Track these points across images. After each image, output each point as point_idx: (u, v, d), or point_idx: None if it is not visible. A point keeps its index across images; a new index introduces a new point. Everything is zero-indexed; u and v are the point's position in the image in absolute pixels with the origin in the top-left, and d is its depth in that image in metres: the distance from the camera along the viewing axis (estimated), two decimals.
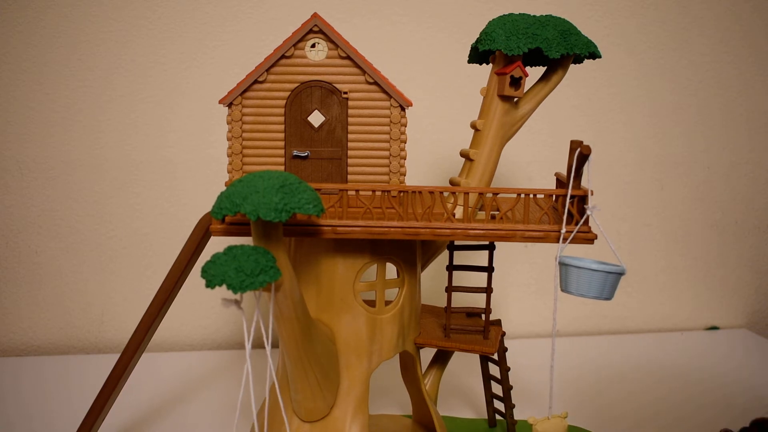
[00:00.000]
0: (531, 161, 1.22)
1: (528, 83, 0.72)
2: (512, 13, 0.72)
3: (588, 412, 0.93)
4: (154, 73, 1.12)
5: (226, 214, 0.53)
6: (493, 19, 0.72)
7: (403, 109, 0.68)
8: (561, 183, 0.73)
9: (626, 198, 1.27)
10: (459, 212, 0.71)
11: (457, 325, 0.77)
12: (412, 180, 1.13)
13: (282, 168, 0.68)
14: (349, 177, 0.69)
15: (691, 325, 1.32)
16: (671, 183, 1.28)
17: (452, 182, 0.74)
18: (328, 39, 0.67)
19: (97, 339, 1.17)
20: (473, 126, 0.73)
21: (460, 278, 1.10)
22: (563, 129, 1.22)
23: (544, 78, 0.74)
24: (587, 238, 0.66)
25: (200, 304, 1.18)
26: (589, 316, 1.29)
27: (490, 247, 0.76)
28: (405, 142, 0.68)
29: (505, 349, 0.83)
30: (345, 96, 0.68)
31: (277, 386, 0.60)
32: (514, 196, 0.71)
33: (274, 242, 0.55)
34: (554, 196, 0.73)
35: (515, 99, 0.73)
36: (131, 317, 1.15)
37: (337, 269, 0.69)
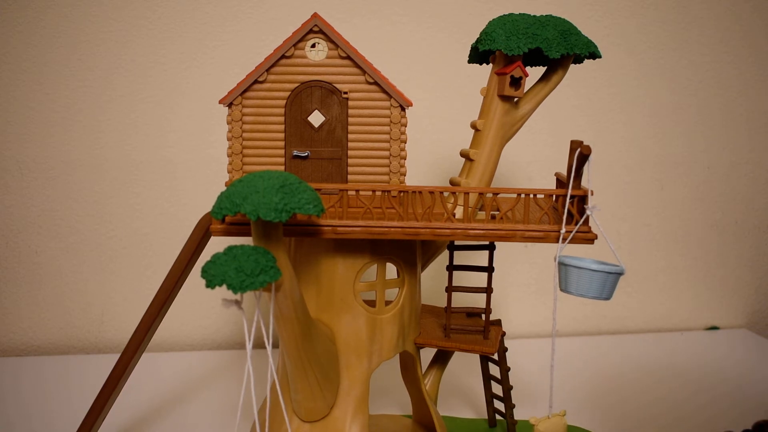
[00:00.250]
0: (531, 161, 1.22)
1: (528, 83, 0.72)
2: (512, 13, 0.72)
3: (588, 412, 0.93)
4: (154, 73, 1.12)
5: (226, 214, 0.53)
6: (493, 19, 0.72)
7: (403, 109, 0.68)
8: (561, 183, 0.73)
9: (626, 198, 1.27)
10: (459, 212, 0.71)
11: (458, 325, 0.77)
12: (412, 180, 1.13)
13: (282, 168, 0.68)
14: (349, 177, 0.69)
15: (691, 325, 1.32)
16: (671, 183, 1.28)
17: (452, 182, 0.74)
18: (328, 39, 0.67)
19: (97, 339, 1.17)
20: (473, 126, 0.73)
21: (460, 278, 1.10)
22: (563, 129, 1.22)
23: (544, 78, 0.74)
24: (587, 238, 0.66)
25: (200, 304, 1.18)
26: (589, 316, 1.29)
27: (490, 247, 0.76)
28: (405, 142, 0.68)
29: (505, 349, 0.83)
30: (345, 96, 0.68)
31: (278, 386, 0.60)
32: (514, 196, 0.72)
33: (275, 242, 0.55)
34: (554, 196, 0.73)
35: (515, 99, 0.73)
36: (131, 317, 1.15)
37: (337, 269, 0.69)
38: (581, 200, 0.66)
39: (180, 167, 1.15)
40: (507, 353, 0.83)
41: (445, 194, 0.73)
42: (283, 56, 0.67)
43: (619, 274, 0.63)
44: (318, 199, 0.55)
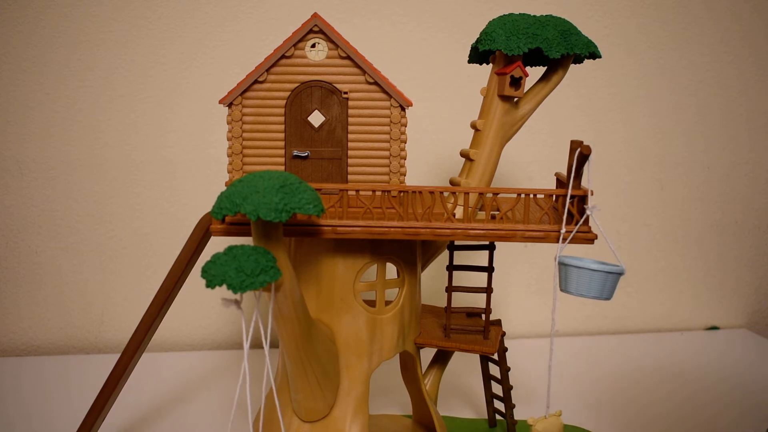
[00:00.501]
0: (531, 161, 1.22)
1: (528, 83, 0.72)
2: (512, 13, 0.72)
3: (588, 412, 0.93)
4: (154, 73, 1.12)
5: (227, 214, 0.53)
6: (493, 19, 0.72)
7: (403, 109, 0.68)
8: (561, 183, 0.73)
9: (626, 198, 1.27)
10: (459, 212, 0.71)
11: (458, 325, 0.77)
12: (412, 180, 1.13)
13: (282, 168, 0.68)
14: (350, 177, 0.69)
15: (691, 325, 1.32)
16: (671, 183, 1.28)
17: (452, 182, 0.74)
18: (329, 39, 0.67)
19: (97, 339, 1.17)
20: (473, 126, 0.73)
21: (461, 278, 1.10)
22: (563, 129, 1.22)
23: (544, 78, 0.74)
24: (587, 238, 0.66)
25: (200, 304, 1.18)
26: (589, 316, 1.29)
27: (490, 247, 0.76)
28: (405, 142, 0.68)
29: (505, 349, 0.83)
30: (345, 96, 0.68)
31: (273, 387, 0.60)
32: (515, 196, 0.72)
33: (275, 242, 0.55)
34: (554, 196, 0.73)
35: (515, 99, 0.73)
36: (131, 317, 1.15)
37: (337, 269, 0.69)
38: (581, 200, 0.66)
39: (180, 167, 1.15)
40: (507, 353, 0.83)
41: (445, 194, 0.73)
42: (283, 56, 0.67)
43: (619, 274, 0.63)
44: (318, 199, 0.55)
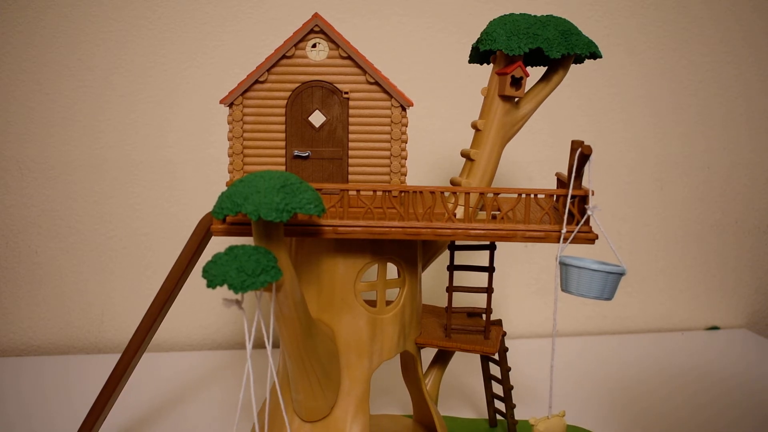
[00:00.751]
0: (531, 161, 1.22)
1: (529, 83, 0.72)
2: (513, 13, 0.72)
3: (588, 412, 0.93)
4: (154, 73, 1.12)
5: (227, 214, 0.53)
6: (494, 19, 0.72)
7: (404, 109, 0.68)
8: (562, 183, 0.73)
9: (626, 198, 1.27)
10: (460, 212, 0.71)
11: (458, 325, 0.77)
12: (413, 180, 1.13)
13: (283, 168, 0.68)
14: (350, 177, 0.69)
15: (691, 325, 1.32)
16: (671, 183, 1.28)
17: (453, 182, 0.74)
18: (329, 39, 0.67)
19: (97, 339, 1.17)
20: (474, 126, 0.73)
21: (461, 278, 1.10)
22: (564, 129, 1.22)
23: (544, 78, 0.74)
24: (588, 238, 0.66)
25: (201, 304, 1.18)
26: (589, 316, 1.29)
27: (491, 247, 0.76)
28: (406, 142, 0.68)
29: (506, 349, 0.83)
30: (346, 96, 0.68)
31: (278, 386, 0.60)
32: (515, 196, 0.72)
33: (275, 242, 0.55)
34: (555, 196, 0.73)
35: (516, 99, 0.73)
36: (131, 317, 1.15)
37: (337, 269, 0.69)
38: (582, 200, 0.66)
39: (180, 167, 1.14)
40: (508, 353, 0.83)
41: (446, 194, 0.73)
42: (284, 56, 0.67)
43: (620, 274, 0.63)
44: (319, 199, 0.55)
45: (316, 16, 0.66)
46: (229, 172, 0.68)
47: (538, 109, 0.74)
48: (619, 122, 1.24)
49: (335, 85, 0.67)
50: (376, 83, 0.67)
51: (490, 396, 0.87)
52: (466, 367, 1.02)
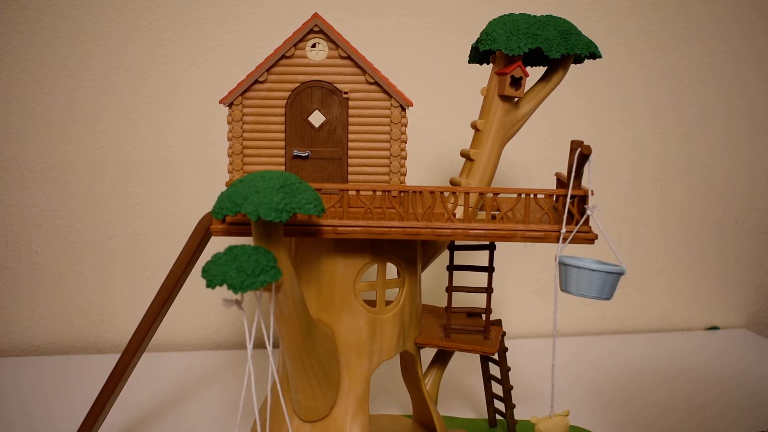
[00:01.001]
0: (531, 161, 1.22)
1: (528, 83, 0.72)
2: (512, 13, 0.72)
3: (588, 412, 0.93)
4: (154, 73, 1.12)
5: (227, 214, 0.53)
6: (494, 19, 0.72)
7: (403, 109, 0.68)
8: (561, 183, 0.73)
9: (626, 198, 1.27)
10: (459, 212, 0.71)
11: (458, 325, 0.77)
12: (412, 180, 1.13)
13: (282, 168, 0.68)
14: (350, 177, 0.69)
15: (691, 325, 1.32)
16: (671, 183, 1.28)
17: (453, 182, 0.74)
18: (329, 39, 0.67)
19: (97, 339, 1.17)
20: (473, 126, 0.73)
21: (461, 278, 1.10)
22: (564, 129, 1.22)
23: (544, 78, 0.74)
24: (587, 238, 0.66)
25: (200, 304, 1.18)
26: (589, 316, 1.29)
27: (491, 247, 0.76)
28: (405, 142, 0.69)
29: (506, 349, 0.83)
30: (345, 96, 0.68)
31: (279, 385, 0.60)
32: (515, 196, 0.71)
33: (275, 242, 0.55)
34: (555, 196, 0.73)
35: (516, 99, 0.73)
36: (131, 317, 1.15)
37: (337, 269, 0.69)
38: (582, 200, 0.66)
39: (180, 167, 1.15)
40: (507, 353, 0.83)
41: (446, 194, 0.73)
42: (284, 56, 0.67)
43: (620, 274, 0.63)
44: (318, 199, 0.55)
45: (315, 16, 0.66)
46: (229, 172, 0.68)
47: (538, 109, 0.74)
48: (619, 122, 1.24)
49: (335, 85, 0.68)
50: (376, 83, 0.67)
51: (490, 396, 0.87)
52: (465, 367, 1.02)
